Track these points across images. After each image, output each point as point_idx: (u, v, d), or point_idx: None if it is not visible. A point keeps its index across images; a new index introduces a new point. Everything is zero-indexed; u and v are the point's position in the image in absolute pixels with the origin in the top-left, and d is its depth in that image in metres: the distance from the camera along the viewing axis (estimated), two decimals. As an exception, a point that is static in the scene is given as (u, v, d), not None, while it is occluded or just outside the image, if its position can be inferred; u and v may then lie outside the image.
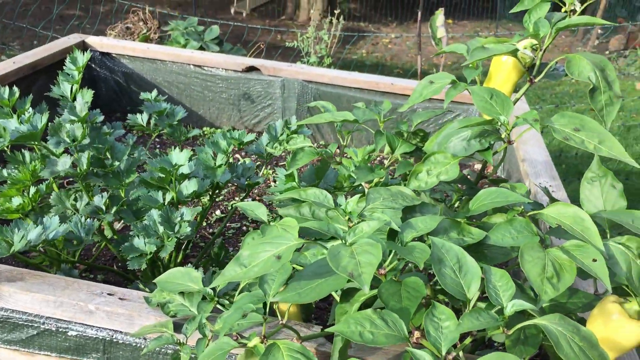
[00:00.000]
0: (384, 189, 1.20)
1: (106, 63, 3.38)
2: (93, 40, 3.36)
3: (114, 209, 1.67)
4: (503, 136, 1.28)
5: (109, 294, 1.46)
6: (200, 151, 1.76)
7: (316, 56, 4.23)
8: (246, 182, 1.83)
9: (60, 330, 1.44)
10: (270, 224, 1.39)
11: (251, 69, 3.24)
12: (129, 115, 2.06)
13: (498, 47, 1.32)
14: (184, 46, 3.71)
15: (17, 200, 1.67)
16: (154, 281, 1.45)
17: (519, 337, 1.08)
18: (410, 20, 9.81)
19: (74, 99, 1.88)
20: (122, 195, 1.71)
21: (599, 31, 8.71)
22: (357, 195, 1.15)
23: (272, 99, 3.28)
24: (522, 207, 1.25)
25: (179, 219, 1.55)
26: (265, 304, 1.15)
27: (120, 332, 1.42)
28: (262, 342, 1.12)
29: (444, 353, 0.93)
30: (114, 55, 3.36)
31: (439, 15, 3.44)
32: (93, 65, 3.38)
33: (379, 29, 9.38)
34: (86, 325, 1.43)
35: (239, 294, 1.39)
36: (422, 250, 1.02)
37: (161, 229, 1.55)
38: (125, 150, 1.68)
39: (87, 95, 1.83)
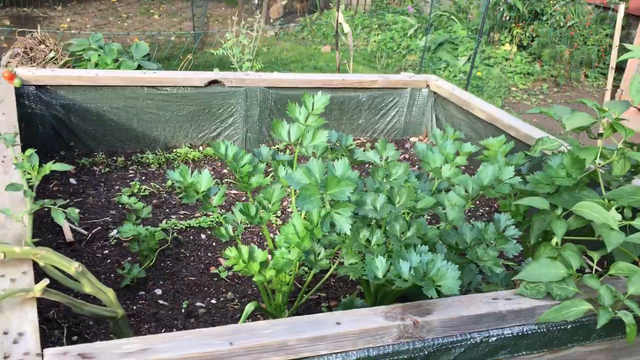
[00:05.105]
0: None
1: (42, 97, 2.93)
2: (23, 73, 2.88)
3: (411, 232, 1.85)
4: None
5: (493, 299, 1.71)
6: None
7: (249, 62, 4.09)
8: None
9: (483, 340, 1.64)
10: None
11: (213, 82, 3.21)
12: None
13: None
14: (118, 67, 3.32)
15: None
16: (516, 278, 1.76)
17: None
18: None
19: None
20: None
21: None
22: None
23: (234, 109, 3.31)
24: None
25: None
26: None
27: (526, 324, 1.70)
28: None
29: None
30: (49, 87, 2.94)
31: (339, 13, 3.85)
32: (27, 102, 2.91)
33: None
34: (501, 327, 1.67)
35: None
36: None
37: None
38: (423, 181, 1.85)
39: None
